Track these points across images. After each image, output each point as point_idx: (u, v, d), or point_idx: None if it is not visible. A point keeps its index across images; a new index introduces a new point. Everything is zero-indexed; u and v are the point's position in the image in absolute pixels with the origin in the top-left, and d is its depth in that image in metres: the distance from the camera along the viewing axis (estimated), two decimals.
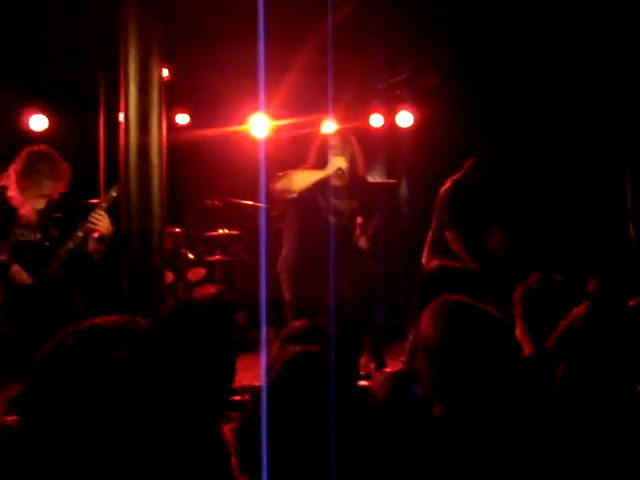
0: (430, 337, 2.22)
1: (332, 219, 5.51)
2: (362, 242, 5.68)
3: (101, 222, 4.73)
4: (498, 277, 5.40)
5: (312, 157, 5.63)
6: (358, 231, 5.78)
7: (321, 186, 5.47)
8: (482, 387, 2.13)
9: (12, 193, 4.84)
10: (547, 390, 2.37)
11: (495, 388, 2.13)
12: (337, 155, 5.47)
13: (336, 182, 5.50)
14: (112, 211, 4.82)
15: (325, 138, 5.74)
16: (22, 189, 4.82)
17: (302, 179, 5.46)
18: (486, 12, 6.93)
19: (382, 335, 5.88)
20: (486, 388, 2.13)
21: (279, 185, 5.48)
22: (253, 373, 5.40)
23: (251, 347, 6.92)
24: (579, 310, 2.51)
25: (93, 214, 4.73)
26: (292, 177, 5.48)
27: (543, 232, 7.10)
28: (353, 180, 5.62)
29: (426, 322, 2.27)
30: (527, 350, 2.90)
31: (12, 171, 4.86)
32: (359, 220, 5.82)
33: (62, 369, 1.61)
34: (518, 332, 2.98)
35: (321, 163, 5.51)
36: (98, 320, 1.74)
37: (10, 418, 2.16)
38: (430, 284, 5.37)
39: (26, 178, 4.80)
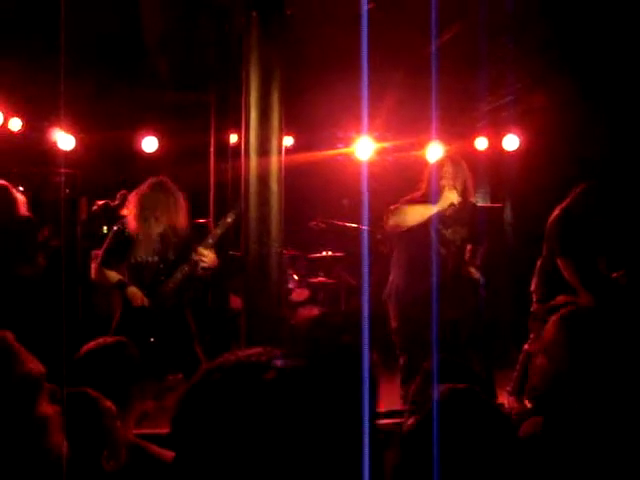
0: (555, 347, 2.18)
1: (442, 250, 5.45)
2: (473, 272, 5.60)
3: (207, 257, 4.94)
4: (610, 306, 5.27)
5: (425, 185, 5.56)
6: (467, 259, 5.70)
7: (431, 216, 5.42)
8: (597, 405, 2.07)
9: (131, 220, 5.00)
10: None
11: (607, 409, 2.07)
12: (450, 184, 5.40)
13: (448, 212, 5.47)
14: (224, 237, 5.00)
15: (437, 165, 5.68)
16: (139, 222, 4.97)
17: (415, 215, 5.39)
18: (596, 29, 6.79)
19: (492, 364, 5.78)
20: (601, 407, 2.07)
21: (392, 220, 5.46)
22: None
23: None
24: None
25: (200, 249, 4.92)
26: (405, 212, 5.42)
27: None
28: (463, 207, 5.55)
29: (553, 332, 2.23)
30: None
31: (132, 200, 5.03)
32: (468, 247, 5.73)
33: (211, 406, 1.63)
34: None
35: (434, 191, 5.44)
36: (241, 354, 1.73)
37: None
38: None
39: (142, 213, 4.95)
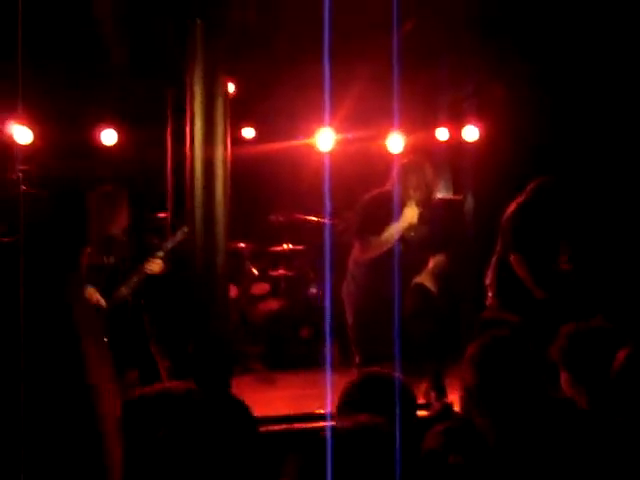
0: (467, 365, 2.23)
1: (399, 248, 5.45)
2: (428, 282, 5.59)
3: (155, 266, 5.11)
4: (563, 302, 5.33)
5: (390, 183, 5.59)
6: (426, 268, 5.68)
7: (387, 214, 5.41)
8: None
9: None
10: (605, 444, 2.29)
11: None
12: (412, 195, 5.42)
13: (407, 233, 5.49)
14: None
15: (402, 171, 5.64)
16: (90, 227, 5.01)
17: (382, 245, 5.43)
18: (555, 21, 6.82)
19: (444, 364, 5.79)
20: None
21: (365, 254, 5.49)
22: (317, 392, 5.42)
23: (316, 362, 6.93)
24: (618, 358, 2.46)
25: (150, 261, 5.08)
26: (373, 245, 5.45)
27: (610, 257, 6.96)
28: (425, 206, 5.55)
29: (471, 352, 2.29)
30: (581, 403, 2.79)
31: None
32: (430, 257, 5.70)
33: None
34: (564, 384, 2.88)
35: (397, 190, 5.45)
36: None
37: None
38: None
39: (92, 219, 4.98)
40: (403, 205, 5.42)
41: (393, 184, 5.51)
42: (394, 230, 5.36)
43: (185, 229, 4.93)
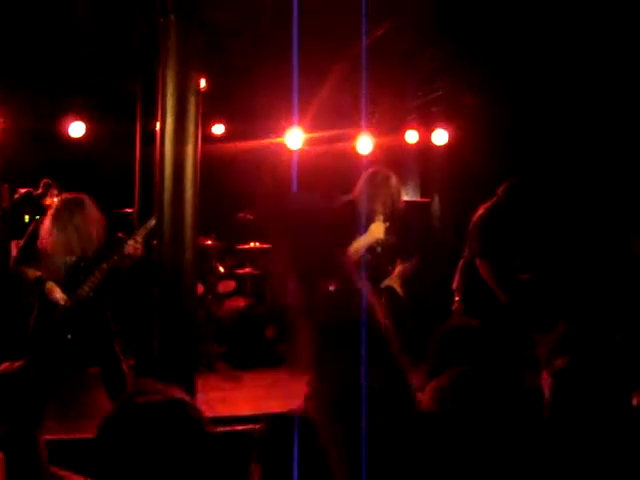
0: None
1: (367, 255, 5.47)
2: (396, 285, 5.60)
3: (138, 245, 4.93)
4: (528, 307, 5.38)
5: (356, 191, 5.57)
6: (394, 273, 5.69)
7: (356, 228, 5.42)
8: None
9: (47, 236, 4.91)
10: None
11: None
12: (379, 211, 5.42)
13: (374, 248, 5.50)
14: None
15: (369, 178, 5.61)
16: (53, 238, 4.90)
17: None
18: (523, 31, 6.89)
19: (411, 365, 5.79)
20: None
21: None
22: (281, 391, 5.42)
23: (279, 362, 6.94)
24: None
25: (130, 242, 4.90)
26: None
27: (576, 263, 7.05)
28: (391, 219, 5.55)
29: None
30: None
31: (47, 218, 4.95)
32: (397, 264, 5.72)
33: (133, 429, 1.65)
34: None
35: (363, 201, 5.43)
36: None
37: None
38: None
39: (59, 229, 4.87)
40: (369, 216, 5.41)
41: (359, 193, 5.49)
42: (360, 245, 5.38)
43: (154, 219, 4.86)
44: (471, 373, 2.21)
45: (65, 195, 5.09)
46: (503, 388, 2.19)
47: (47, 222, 4.90)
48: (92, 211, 4.92)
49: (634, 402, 2.59)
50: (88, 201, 4.93)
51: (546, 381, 2.64)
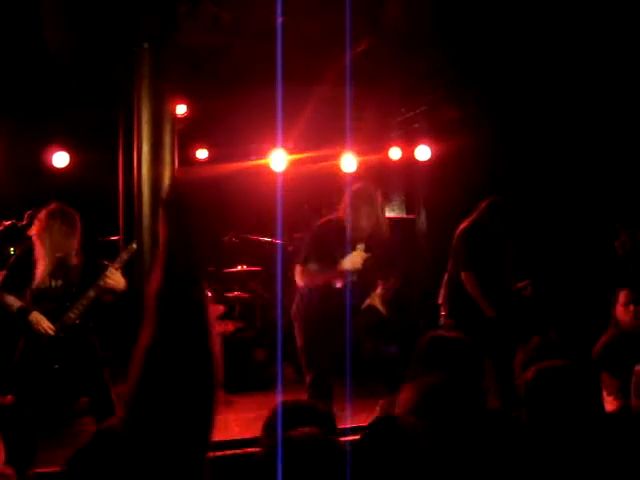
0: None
1: (349, 274, 5.42)
2: (378, 304, 5.55)
3: (115, 278, 4.88)
4: (513, 319, 5.39)
5: (342, 208, 5.49)
6: (377, 290, 5.63)
7: (337, 242, 5.36)
8: None
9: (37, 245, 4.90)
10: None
11: None
12: (363, 217, 5.34)
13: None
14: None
15: (353, 194, 5.55)
16: (42, 246, 4.89)
17: (316, 278, 5.38)
18: (506, 46, 6.94)
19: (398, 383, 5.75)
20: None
21: (298, 278, 5.44)
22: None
23: (270, 385, 6.92)
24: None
25: (107, 273, 4.86)
26: (309, 273, 5.40)
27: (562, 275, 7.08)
28: (373, 237, 5.48)
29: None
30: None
31: (34, 230, 4.94)
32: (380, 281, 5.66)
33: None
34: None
35: (347, 218, 5.36)
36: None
37: None
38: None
39: (45, 237, 4.86)
40: (354, 234, 5.33)
41: (344, 210, 5.43)
42: (338, 270, 5.34)
43: (135, 244, 4.87)
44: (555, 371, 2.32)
45: (43, 210, 5.05)
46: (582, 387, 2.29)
47: (34, 234, 4.90)
48: (72, 219, 4.93)
49: (607, 408, 2.63)
50: (67, 210, 4.95)
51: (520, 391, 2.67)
